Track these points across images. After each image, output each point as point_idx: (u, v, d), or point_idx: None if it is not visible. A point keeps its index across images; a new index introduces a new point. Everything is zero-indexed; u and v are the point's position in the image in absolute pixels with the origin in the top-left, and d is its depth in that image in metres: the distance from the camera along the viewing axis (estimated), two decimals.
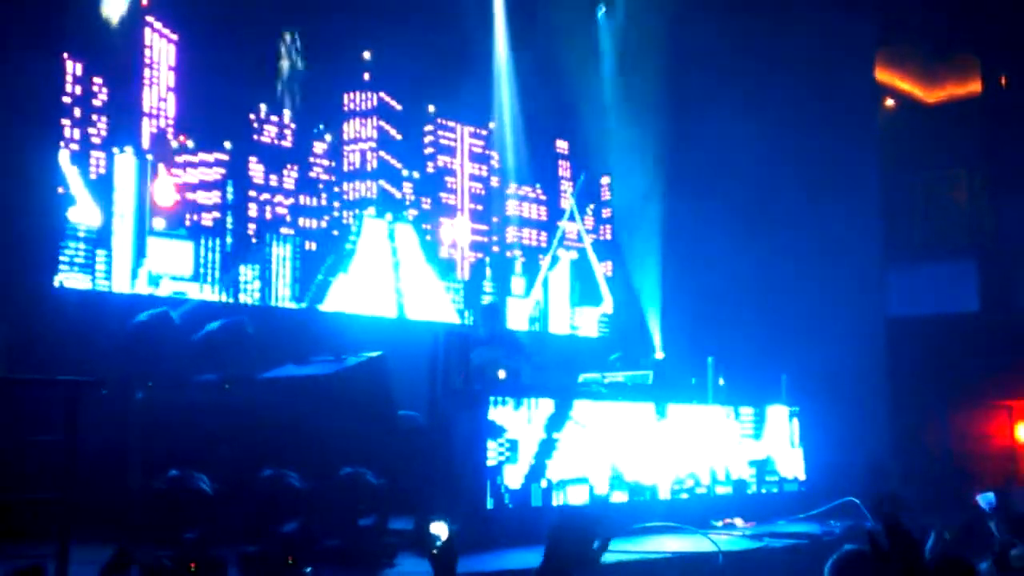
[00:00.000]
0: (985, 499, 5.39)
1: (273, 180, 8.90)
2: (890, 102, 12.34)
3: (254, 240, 8.72)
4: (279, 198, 8.92)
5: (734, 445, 8.03)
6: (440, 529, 3.61)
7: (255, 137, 8.83)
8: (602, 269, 11.64)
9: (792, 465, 8.53)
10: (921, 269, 10.88)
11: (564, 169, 11.50)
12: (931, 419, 10.14)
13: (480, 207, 10.60)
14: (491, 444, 6.40)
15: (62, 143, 7.64)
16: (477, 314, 8.46)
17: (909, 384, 10.35)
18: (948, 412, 10.12)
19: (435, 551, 3.42)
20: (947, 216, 11.57)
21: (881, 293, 10.74)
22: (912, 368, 10.30)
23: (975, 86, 11.94)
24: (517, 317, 10.68)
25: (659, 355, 8.28)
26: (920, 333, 10.54)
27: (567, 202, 11.45)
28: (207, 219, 8.43)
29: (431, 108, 10.24)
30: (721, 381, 8.23)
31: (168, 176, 8.19)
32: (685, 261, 10.86)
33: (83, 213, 7.70)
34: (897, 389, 10.49)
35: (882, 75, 12.04)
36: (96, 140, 7.84)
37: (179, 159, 8.30)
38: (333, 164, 9.42)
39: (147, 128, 8.16)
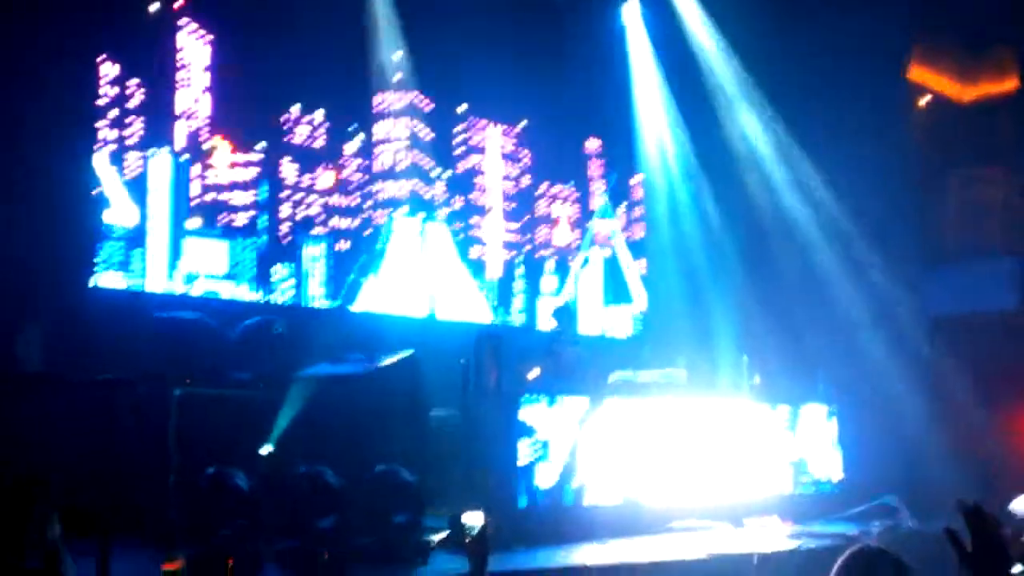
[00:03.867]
0: (1020, 506, 5.26)
1: (306, 180, 8.95)
2: (924, 100, 12.17)
3: (287, 240, 8.77)
4: (312, 198, 8.96)
5: (772, 444, 7.97)
6: (474, 519, 3.59)
7: (287, 138, 8.88)
8: (634, 268, 11.59)
9: (829, 464, 8.44)
10: (960, 267, 10.71)
11: (596, 168, 11.47)
12: (971, 418, 9.97)
13: (512, 205, 10.59)
14: (523, 443, 6.40)
15: (98, 144, 7.73)
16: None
17: (948, 383, 10.20)
18: (988, 411, 9.95)
19: (469, 540, 3.41)
20: (986, 214, 11.38)
21: (920, 291, 10.59)
22: (951, 367, 10.15)
23: (1012, 83, 11.75)
24: (548, 316, 10.66)
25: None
26: (959, 331, 10.38)
27: (599, 201, 11.42)
28: (241, 219, 8.49)
29: (462, 107, 10.24)
30: (757, 379, 8.17)
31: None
32: (722, 260, 10.77)
33: (119, 213, 7.78)
34: (936, 388, 10.34)
35: (916, 73, 11.88)
36: (132, 141, 7.92)
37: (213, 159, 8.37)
38: (365, 163, 9.45)
39: (182, 129, 8.23)
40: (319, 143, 9.08)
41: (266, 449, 5.91)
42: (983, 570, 2.34)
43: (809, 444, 8.29)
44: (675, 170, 11.22)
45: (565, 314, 8.60)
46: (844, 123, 10.38)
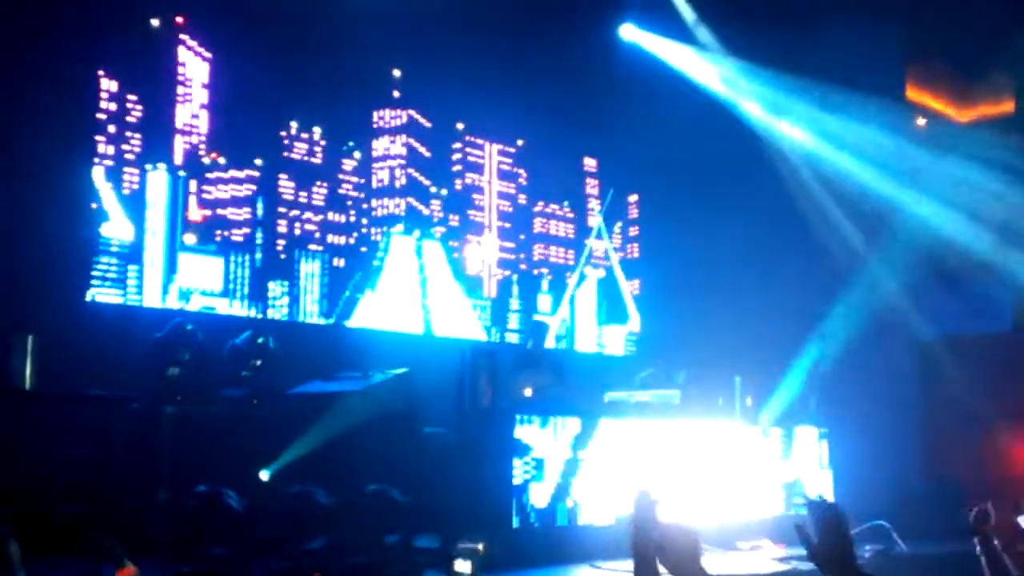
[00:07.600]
0: None
1: (303, 196, 8.97)
2: (921, 121, 12.24)
3: (283, 256, 8.78)
4: (308, 214, 8.99)
5: (765, 466, 7.96)
6: (464, 567, 3.61)
7: (285, 154, 8.91)
8: (629, 287, 11.60)
9: (822, 486, 8.43)
10: (953, 289, 10.74)
11: (592, 187, 11.50)
12: (964, 441, 9.98)
13: (508, 224, 10.62)
14: (517, 462, 6.39)
15: (96, 159, 7.74)
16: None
17: (941, 405, 10.22)
18: (981, 433, 9.97)
19: None
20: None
21: (913, 313, 10.62)
22: (944, 389, 10.17)
23: (1008, 105, 11.81)
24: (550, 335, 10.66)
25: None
26: (950, 354, 10.40)
27: (595, 220, 11.44)
28: (237, 235, 8.50)
29: (460, 125, 10.28)
30: (749, 401, 8.17)
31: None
32: (719, 280, 10.78)
33: (116, 228, 7.79)
34: (929, 410, 10.35)
35: (913, 94, 11.96)
36: (130, 156, 7.94)
37: (210, 175, 8.39)
38: (362, 181, 9.47)
39: (180, 145, 8.25)
40: (316, 159, 9.11)
41: (264, 475, 5.90)
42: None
43: (804, 465, 8.30)
44: (672, 189, 11.23)
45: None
46: (840, 144, 10.45)
